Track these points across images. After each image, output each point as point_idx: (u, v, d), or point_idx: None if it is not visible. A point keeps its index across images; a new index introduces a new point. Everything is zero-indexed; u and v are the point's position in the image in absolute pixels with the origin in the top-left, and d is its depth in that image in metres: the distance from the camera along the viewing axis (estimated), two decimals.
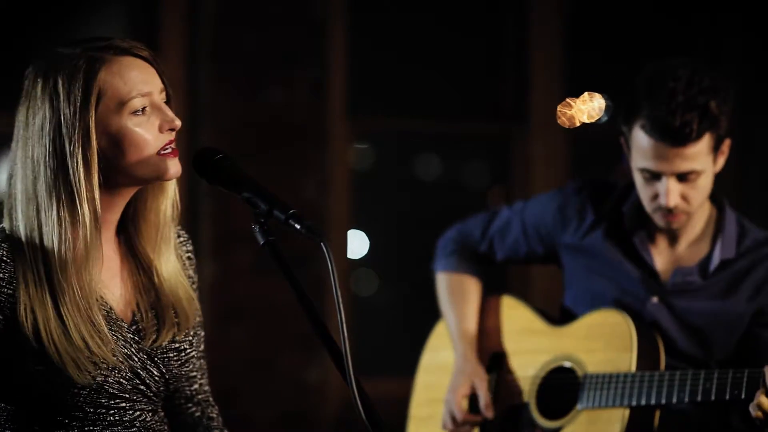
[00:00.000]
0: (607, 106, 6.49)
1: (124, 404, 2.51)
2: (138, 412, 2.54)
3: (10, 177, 2.47)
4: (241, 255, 5.78)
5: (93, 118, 2.42)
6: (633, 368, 3.30)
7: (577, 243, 3.50)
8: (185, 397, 2.75)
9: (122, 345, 2.50)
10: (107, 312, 2.51)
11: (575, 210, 3.52)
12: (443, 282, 3.70)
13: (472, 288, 3.67)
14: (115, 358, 2.46)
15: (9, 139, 2.49)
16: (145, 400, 2.55)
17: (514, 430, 3.51)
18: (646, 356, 3.31)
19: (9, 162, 2.48)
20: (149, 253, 2.58)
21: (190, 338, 2.63)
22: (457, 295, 3.65)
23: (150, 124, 2.47)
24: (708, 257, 3.37)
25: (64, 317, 2.41)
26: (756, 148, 5.86)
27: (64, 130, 2.41)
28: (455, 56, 6.47)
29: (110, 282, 2.55)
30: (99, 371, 2.44)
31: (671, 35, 6.44)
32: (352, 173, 6.23)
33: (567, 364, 3.44)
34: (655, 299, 3.39)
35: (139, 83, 2.46)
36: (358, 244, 6.39)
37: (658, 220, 3.33)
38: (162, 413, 2.63)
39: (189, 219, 5.65)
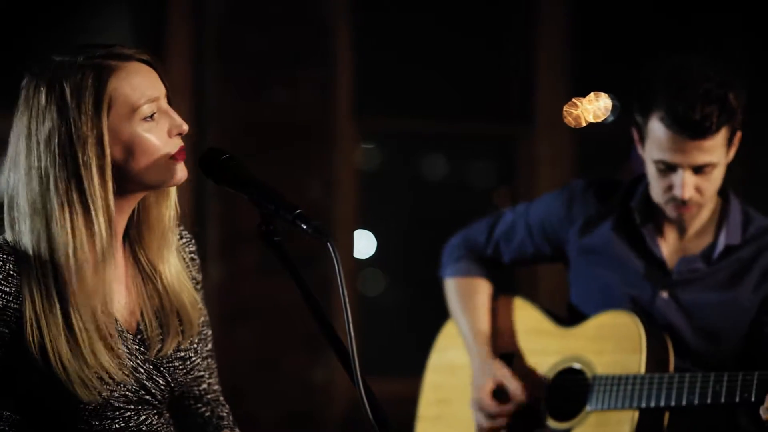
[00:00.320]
0: (613, 106, 6.49)
1: (128, 413, 2.50)
2: (144, 416, 2.53)
3: (9, 188, 2.43)
4: (247, 255, 5.78)
5: (106, 126, 2.40)
6: (642, 370, 3.29)
7: (585, 240, 3.50)
8: (194, 397, 2.73)
9: (128, 358, 2.49)
10: (114, 323, 2.49)
11: (582, 207, 3.52)
12: (453, 287, 3.69)
13: (482, 290, 3.66)
14: (121, 372, 2.45)
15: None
16: (150, 407, 2.54)
17: None
18: (656, 357, 3.31)
19: (5, 172, 2.44)
20: (152, 259, 2.57)
21: (195, 346, 2.62)
22: (468, 298, 3.65)
23: (159, 130, 2.46)
24: (712, 245, 3.37)
25: (77, 332, 2.38)
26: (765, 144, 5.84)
27: (75, 140, 2.38)
28: (461, 56, 6.47)
29: (115, 290, 2.53)
30: (105, 386, 2.43)
31: (676, 35, 6.43)
32: (359, 173, 6.23)
33: (576, 365, 3.44)
34: (664, 294, 3.38)
35: (147, 89, 2.45)
36: (364, 244, 6.38)
37: (670, 211, 3.33)
38: (167, 414, 2.61)
39: (195, 219, 5.65)
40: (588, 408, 3.36)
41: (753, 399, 3.10)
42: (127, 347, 2.50)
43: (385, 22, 6.40)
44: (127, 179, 2.45)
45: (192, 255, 2.71)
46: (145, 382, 2.51)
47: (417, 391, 3.76)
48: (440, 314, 3.75)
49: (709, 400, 3.16)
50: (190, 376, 2.60)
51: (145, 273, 2.57)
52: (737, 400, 3.13)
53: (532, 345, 3.55)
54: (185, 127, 2.48)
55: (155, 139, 2.44)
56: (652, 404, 3.24)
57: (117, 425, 2.49)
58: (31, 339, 2.38)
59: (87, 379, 2.39)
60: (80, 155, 2.39)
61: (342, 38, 6.07)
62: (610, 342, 3.38)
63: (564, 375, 3.46)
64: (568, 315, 3.57)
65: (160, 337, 2.55)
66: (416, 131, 6.55)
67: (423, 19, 6.41)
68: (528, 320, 3.61)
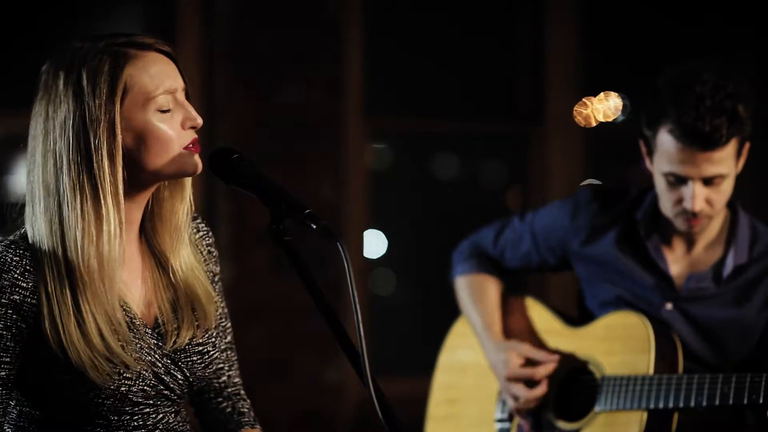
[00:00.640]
0: (623, 106, 6.48)
1: (147, 410, 2.51)
2: (161, 415, 2.54)
3: (29, 173, 2.46)
4: (257, 255, 5.78)
5: (118, 112, 2.41)
6: (651, 370, 3.29)
7: (589, 250, 3.49)
8: (214, 390, 2.74)
9: (146, 353, 2.49)
10: (131, 318, 2.50)
11: (586, 217, 3.51)
12: (463, 284, 3.69)
13: (491, 286, 3.66)
14: (134, 360, 2.45)
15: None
16: (168, 402, 2.55)
17: None
18: (665, 358, 3.30)
19: (28, 158, 2.47)
20: (165, 252, 2.57)
21: (213, 339, 2.62)
22: (479, 294, 3.64)
23: (174, 121, 2.46)
24: (721, 262, 3.36)
25: (84, 313, 2.40)
26: None
27: (89, 124, 2.40)
28: (471, 56, 6.47)
29: (132, 283, 2.54)
30: (121, 378, 2.43)
31: (687, 37, 6.42)
32: (369, 173, 6.23)
33: (585, 365, 3.44)
34: (669, 305, 3.38)
35: (165, 79, 2.46)
36: (375, 244, 6.38)
37: (680, 224, 3.31)
38: (184, 412, 2.62)
39: (206, 219, 5.64)
40: (597, 408, 3.35)
41: (761, 401, 3.10)
42: (145, 342, 2.50)
43: (396, 21, 6.40)
44: (139, 168, 2.46)
45: (209, 248, 2.72)
46: (163, 376, 2.51)
47: (427, 391, 3.76)
48: (451, 314, 3.75)
49: (717, 402, 3.16)
50: (209, 370, 2.60)
51: (160, 265, 2.58)
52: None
53: (541, 345, 3.55)
54: (199, 121, 2.48)
55: (168, 130, 2.45)
56: (661, 405, 3.24)
57: (135, 422, 2.50)
58: (46, 327, 2.40)
59: (96, 361, 2.40)
60: (92, 139, 2.40)
61: (352, 37, 6.07)
62: (619, 342, 3.38)
63: (573, 375, 3.46)
64: (578, 315, 3.57)
65: (176, 328, 2.55)
66: (427, 131, 6.55)
67: (433, 19, 6.41)
68: (538, 320, 3.61)
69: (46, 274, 2.41)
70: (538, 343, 3.55)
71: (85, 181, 2.40)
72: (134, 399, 2.47)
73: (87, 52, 2.43)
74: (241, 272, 5.76)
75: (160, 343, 2.53)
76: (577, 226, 3.52)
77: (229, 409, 2.75)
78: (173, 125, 2.46)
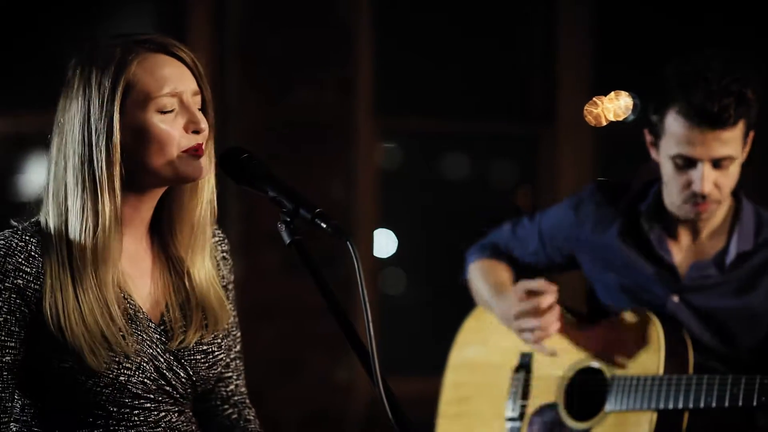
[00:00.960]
0: (634, 105, 6.48)
1: (148, 405, 2.51)
2: (163, 413, 2.54)
3: (48, 165, 2.50)
4: (268, 255, 5.79)
5: (118, 109, 2.43)
6: (661, 370, 3.29)
7: (593, 242, 3.50)
8: (221, 398, 2.74)
9: (148, 345, 2.50)
10: (135, 311, 2.51)
11: (590, 208, 3.52)
12: (476, 268, 3.67)
13: (504, 269, 3.65)
14: (134, 351, 2.46)
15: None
16: (171, 401, 2.55)
17: (543, 431, 3.50)
18: (675, 356, 3.30)
19: (49, 150, 2.51)
20: (181, 256, 2.58)
21: (219, 341, 2.62)
22: (492, 274, 3.63)
23: (176, 123, 2.46)
24: (725, 250, 3.36)
25: (81, 299, 2.42)
26: None
27: (91, 119, 2.43)
28: (482, 56, 6.47)
29: (139, 281, 2.55)
30: (120, 367, 2.44)
31: (696, 37, 6.41)
32: (380, 173, 6.24)
33: (595, 364, 3.44)
34: (675, 298, 3.38)
35: (170, 82, 2.46)
36: (385, 244, 6.39)
37: (688, 210, 3.31)
38: (189, 413, 2.62)
39: (217, 219, 5.66)
40: (607, 408, 3.35)
41: None
42: (149, 335, 2.51)
43: (406, 22, 6.40)
44: (140, 169, 2.47)
45: (224, 254, 2.72)
46: (164, 371, 2.52)
47: (437, 391, 3.76)
48: (461, 313, 3.75)
49: (726, 403, 3.16)
50: (213, 371, 2.61)
51: (174, 268, 2.59)
52: (755, 403, 3.13)
53: (551, 343, 3.55)
54: (203, 125, 2.48)
55: (168, 132, 2.45)
56: (671, 406, 3.24)
57: (136, 418, 2.50)
58: (48, 313, 2.42)
59: (94, 346, 2.41)
60: (93, 135, 2.43)
61: (363, 38, 6.08)
62: (629, 341, 3.38)
63: (583, 374, 3.46)
64: (588, 312, 3.57)
65: (183, 328, 2.56)
66: (437, 131, 6.56)
67: (444, 19, 6.41)
68: None
69: (51, 259, 2.43)
70: (549, 342, 3.55)
71: (86, 175, 2.43)
72: (134, 390, 2.47)
73: (102, 50, 2.46)
74: (252, 272, 5.77)
75: (164, 339, 2.54)
76: (581, 217, 3.52)
77: (235, 416, 2.75)
78: (174, 127, 2.46)
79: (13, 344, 2.42)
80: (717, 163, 3.24)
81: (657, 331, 3.32)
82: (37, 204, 2.51)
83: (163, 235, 2.59)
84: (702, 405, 3.19)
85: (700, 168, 3.24)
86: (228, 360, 2.69)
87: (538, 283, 3.45)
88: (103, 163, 2.42)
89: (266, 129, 5.86)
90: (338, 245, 2.33)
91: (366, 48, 6.10)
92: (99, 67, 2.44)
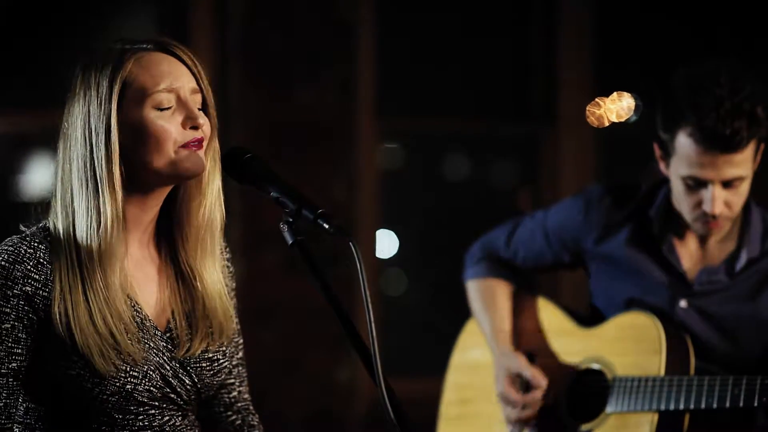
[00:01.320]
0: (636, 106, 6.47)
1: (153, 411, 2.51)
2: (167, 417, 2.54)
3: (55, 167, 2.51)
4: (270, 255, 5.79)
5: (115, 107, 2.43)
6: (662, 372, 3.29)
7: (602, 248, 3.49)
8: (224, 404, 2.74)
9: (155, 353, 2.50)
10: (141, 319, 2.51)
11: (599, 214, 3.50)
12: (474, 288, 3.69)
13: (502, 291, 3.65)
14: (142, 358, 2.46)
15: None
16: (175, 407, 2.55)
17: None
18: (676, 359, 3.30)
19: (56, 155, 2.52)
20: (191, 262, 2.57)
21: (224, 348, 2.62)
22: (489, 299, 3.64)
23: (173, 119, 2.46)
24: (734, 255, 3.36)
25: (92, 301, 2.42)
26: None
27: (91, 120, 2.44)
28: (483, 56, 6.47)
29: (145, 287, 2.55)
30: (127, 375, 2.44)
31: (699, 37, 6.41)
32: (381, 173, 6.24)
33: (596, 366, 3.44)
34: (683, 303, 3.38)
35: (167, 78, 2.46)
36: (387, 244, 6.39)
37: (699, 227, 3.31)
38: (192, 416, 2.61)
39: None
40: (608, 409, 3.35)
41: None
42: (155, 343, 2.51)
43: (408, 22, 6.40)
44: (138, 166, 2.46)
45: (226, 263, 2.72)
46: (170, 379, 2.52)
47: (439, 391, 3.76)
48: (462, 314, 3.75)
49: (728, 404, 3.16)
50: (217, 378, 2.61)
51: (181, 275, 2.58)
52: (756, 404, 3.13)
53: (553, 345, 3.55)
54: (200, 121, 2.48)
55: (164, 127, 2.45)
56: (672, 407, 3.24)
57: (140, 423, 2.50)
58: (57, 320, 2.42)
59: (104, 348, 2.41)
60: (93, 135, 2.44)
61: (364, 38, 6.08)
62: (630, 343, 3.38)
63: (584, 375, 3.46)
64: (589, 315, 3.57)
65: (189, 337, 2.56)
66: (439, 131, 6.56)
67: (445, 19, 6.41)
68: (549, 320, 3.61)
69: (61, 263, 2.43)
70: (549, 344, 3.55)
71: (89, 176, 2.44)
72: (139, 398, 2.48)
73: (103, 52, 2.47)
74: (254, 272, 5.77)
75: (170, 347, 2.54)
76: (590, 223, 3.51)
77: (239, 422, 2.75)
78: (172, 123, 2.46)
79: (20, 351, 2.43)
80: (728, 184, 3.23)
81: (658, 333, 3.32)
82: (44, 208, 2.51)
83: (172, 241, 2.58)
84: (703, 406, 3.19)
85: (710, 189, 3.23)
86: (231, 367, 2.69)
87: (528, 374, 3.46)
88: (103, 162, 2.43)
89: (267, 129, 5.86)
90: (340, 245, 2.33)
91: (368, 48, 6.10)
92: (98, 69, 2.45)
